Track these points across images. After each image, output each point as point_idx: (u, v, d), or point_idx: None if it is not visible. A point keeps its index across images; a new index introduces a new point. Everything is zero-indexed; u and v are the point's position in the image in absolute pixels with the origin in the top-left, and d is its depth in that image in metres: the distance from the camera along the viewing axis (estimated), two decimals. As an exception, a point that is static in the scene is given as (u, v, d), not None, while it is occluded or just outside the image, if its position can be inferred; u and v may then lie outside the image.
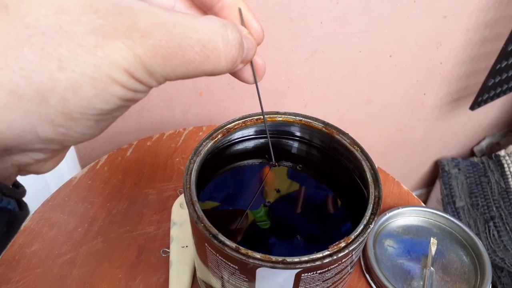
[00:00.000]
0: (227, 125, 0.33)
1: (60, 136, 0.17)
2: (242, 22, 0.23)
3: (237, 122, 0.33)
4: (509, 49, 0.78)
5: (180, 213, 0.45)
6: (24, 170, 0.19)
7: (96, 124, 0.17)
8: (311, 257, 0.24)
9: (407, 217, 0.47)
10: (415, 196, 0.52)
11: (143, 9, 0.17)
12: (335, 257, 0.24)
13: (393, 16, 0.69)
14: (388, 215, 0.46)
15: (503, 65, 0.81)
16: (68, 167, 0.62)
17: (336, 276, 0.27)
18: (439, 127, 1.02)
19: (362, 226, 0.26)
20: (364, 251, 0.43)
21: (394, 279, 0.41)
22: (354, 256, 0.27)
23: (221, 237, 0.25)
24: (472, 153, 1.22)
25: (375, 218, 0.27)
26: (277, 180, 0.34)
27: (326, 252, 0.24)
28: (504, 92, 0.92)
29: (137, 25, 0.16)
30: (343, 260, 0.26)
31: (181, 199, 0.47)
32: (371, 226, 0.26)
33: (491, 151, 1.14)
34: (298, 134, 0.35)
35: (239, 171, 0.35)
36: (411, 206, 0.47)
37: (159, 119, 0.68)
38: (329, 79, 0.74)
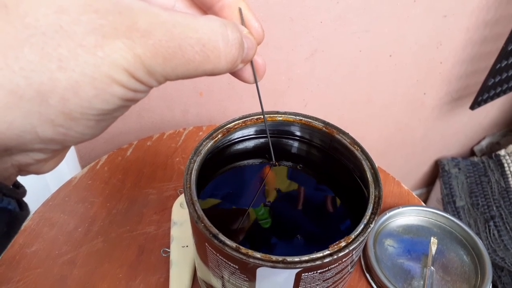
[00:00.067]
0: (227, 124, 0.33)
1: (60, 136, 0.17)
2: (242, 22, 0.23)
3: (237, 122, 0.33)
4: (509, 48, 0.78)
5: (180, 213, 0.45)
6: (25, 170, 0.19)
7: (97, 124, 0.17)
8: (312, 256, 0.24)
9: (407, 216, 0.47)
10: (415, 196, 0.52)
11: (143, 8, 0.17)
12: (335, 256, 0.24)
13: (393, 16, 0.69)
14: (388, 214, 0.46)
15: (503, 65, 0.81)
16: (68, 167, 0.62)
17: (336, 275, 0.27)
18: (439, 126, 1.02)
19: (362, 226, 0.26)
20: (365, 250, 0.43)
21: (395, 278, 0.41)
22: (354, 256, 0.27)
23: (222, 236, 0.25)
24: (472, 153, 1.22)
25: (376, 218, 0.27)
26: (277, 179, 0.34)
27: (327, 252, 0.24)
28: (504, 92, 0.92)
29: (137, 25, 0.16)
30: (343, 260, 0.26)
31: (181, 198, 0.47)
32: (372, 225, 0.26)
33: (491, 151, 1.14)
34: (298, 133, 0.35)
35: (239, 170, 0.35)
36: (411, 206, 0.47)
37: (159, 119, 0.68)
38: (329, 78, 0.74)
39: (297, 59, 0.68)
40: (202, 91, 0.66)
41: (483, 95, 0.87)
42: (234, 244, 0.24)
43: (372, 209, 0.27)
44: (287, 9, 0.60)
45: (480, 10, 0.77)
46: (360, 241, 0.25)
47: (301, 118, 0.34)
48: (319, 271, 0.25)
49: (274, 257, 0.24)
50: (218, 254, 0.26)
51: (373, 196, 0.28)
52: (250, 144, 0.35)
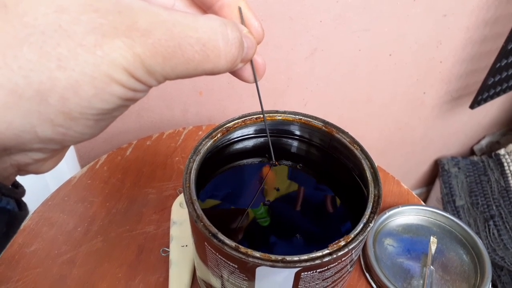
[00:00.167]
0: (226, 124, 0.33)
1: (59, 136, 0.17)
2: (242, 21, 0.23)
3: (236, 121, 0.33)
4: (509, 47, 0.78)
5: (179, 212, 0.45)
6: (24, 170, 0.19)
7: (96, 123, 0.17)
8: (311, 255, 0.24)
9: (407, 216, 0.47)
10: (415, 195, 0.52)
11: (143, 8, 0.17)
12: (334, 255, 0.24)
13: (393, 15, 0.69)
14: (388, 214, 0.46)
15: (503, 64, 0.81)
16: (68, 167, 0.62)
17: (336, 275, 0.27)
18: (439, 125, 1.02)
19: (361, 225, 0.26)
20: (364, 250, 0.43)
21: (394, 278, 0.41)
22: (354, 255, 0.27)
23: (221, 236, 0.24)
24: (472, 152, 1.22)
25: (375, 217, 0.27)
26: (276, 179, 0.34)
27: (326, 251, 0.24)
28: (504, 91, 0.92)
29: (137, 24, 0.16)
30: (342, 259, 0.26)
31: (180, 198, 0.47)
32: (371, 224, 0.26)
33: (491, 150, 1.14)
34: (297, 133, 0.35)
35: (238, 170, 0.35)
36: (411, 205, 0.47)
37: (159, 118, 0.68)
38: (329, 78, 0.74)
39: (297, 58, 0.68)
40: (201, 90, 0.66)
41: (483, 94, 0.87)
42: (233, 243, 0.24)
43: (372, 208, 0.27)
44: (286, 8, 0.60)
45: (480, 9, 0.77)
46: (359, 240, 0.25)
47: (301, 117, 0.34)
48: (318, 270, 0.25)
49: (273, 256, 0.24)
50: (217, 254, 0.26)
51: (372, 195, 0.28)
52: (249, 143, 0.35)
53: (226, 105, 0.70)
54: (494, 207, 1.00)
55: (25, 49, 0.15)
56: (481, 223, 0.99)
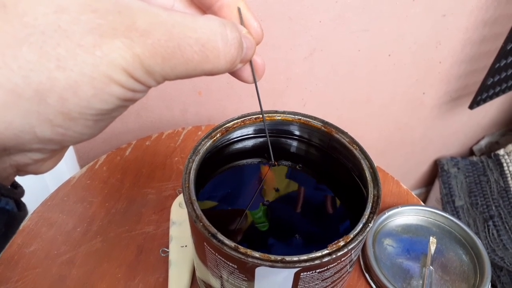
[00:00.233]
0: (226, 124, 0.33)
1: (58, 136, 0.17)
2: (241, 22, 0.23)
3: (236, 121, 0.33)
4: (508, 48, 0.78)
5: (179, 213, 0.45)
6: (23, 170, 0.19)
7: (95, 124, 0.17)
8: (310, 256, 0.24)
9: (406, 216, 0.47)
10: (414, 195, 0.52)
11: (142, 8, 0.17)
12: (334, 256, 0.24)
13: (392, 15, 0.69)
14: (387, 214, 0.46)
15: (502, 64, 0.81)
16: (67, 167, 0.62)
17: (335, 275, 0.27)
18: (438, 126, 1.02)
19: (361, 225, 0.26)
20: (363, 250, 0.43)
21: (394, 278, 0.41)
22: (353, 255, 0.27)
23: (220, 236, 0.24)
24: (471, 152, 1.22)
25: (374, 217, 0.27)
26: (276, 179, 0.34)
27: (325, 251, 0.24)
28: (503, 91, 0.92)
29: (136, 25, 0.16)
30: (342, 259, 0.26)
31: (180, 198, 0.47)
32: (370, 225, 0.26)
33: (490, 150, 1.14)
34: (297, 133, 0.35)
35: (238, 170, 0.35)
36: (410, 205, 0.47)
37: (158, 118, 0.68)
38: (328, 78, 0.74)
39: (296, 59, 0.68)
40: (201, 90, 0.66)
41: (482, 95, 0.87)
42: (233, 244, 0.24)
43: (371, 209, 0.27)
44: (286, 8, 0.60)
45: (479, 9, 0.77)
46: (359, 240, 0.25)
47: (300, 117, 0.34)
48: (318, 270, 0.25)
49: (273, 257, 0.24)
50: (217, 254, 0.26)
51: (372, 196, 0.28)
52: (249, 143, 0.35)
53: (226, 105, 0.70)
54: (493, 208, 1.00)
55: (25, 49, 0.15)
56: (480, 223, 0.99)
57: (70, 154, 0.64)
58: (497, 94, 0.91)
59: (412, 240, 0.45)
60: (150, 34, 0.16)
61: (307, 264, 0.24)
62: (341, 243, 0.25)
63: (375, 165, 0.30)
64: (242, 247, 0.24)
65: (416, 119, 0.96)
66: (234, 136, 0.34)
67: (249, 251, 0.24)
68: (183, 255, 0.41)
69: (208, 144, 0.31)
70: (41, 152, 0.18)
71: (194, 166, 0.29)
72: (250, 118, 0.33)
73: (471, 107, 0.92)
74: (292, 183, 0.34)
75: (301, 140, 0.36)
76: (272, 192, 0.33)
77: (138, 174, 0.52)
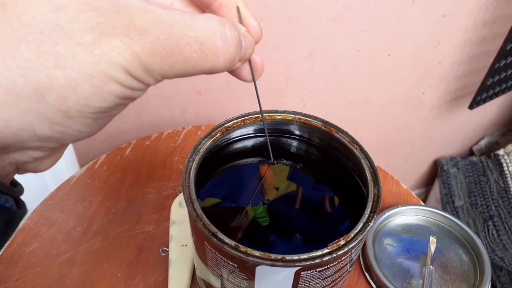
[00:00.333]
0: (226, 123, 0.33)
1: (57, 134, 0.17)
2: (240, 20, 0.23)
3: (236, 121, 0.33)
4: (508, 48, 0.78)
5: (179, 212, 0.45)
6: (22, 168, 0.19)
7: (94, 122, 0.17)
8: (311, 255, 0.24)
9: (406, 215, 0.47)
10: (414, 195, 0.52)
11: (141, 7, 0.17)
12: (334, 255, 0.24)
13: (392, 15, 0.69)
14: (387, 213, 0.46)
15: (501, 64, 0.81)
16: (67, 166, 0.62)
17: (335, 274, 0.27)
18: (438, 126, 1.02)
19: (361, 224, 0.26)
20: (364, 249, 0.43)
21: (394, 277, 0.41)
22: (353, 255, 0.27)
23: (220, 235, 0.24)
24: (471, 152, 1.22)
25: (375, 216, 0.27)
26: (276, 178, 0.34)
27: (326, 250, 0.24)
28: (502, 91, 0.92)
29: (135, 23, 0.16)
30: (342, 258, 0.26)
31: (180, 198, 0.47)
32: (371, 224, 0.26)
33: (490, 151, 1.14)
34: (297, 132, 0.35)
35: (238, 169, 0.35)
36: (410, 205, 0.47)
37: (158, 118, 0.68)
38: (328, 78, 0.74)
39: (296, 58, 0.68)
40: (200, 90, 0.66)
41: (482, 95, 0.87)
42: (233, 243, 0.24)
43: (371, 208, 0.27)
44: (285, 8, 0.60)
45: (479, 9, 0.78)
46: (359, 239, 0.25)
47: (300, 117, 0.34)
48: (318, 269, 0.25)
49: (273, 255, 0.24)
50: (217, 253, 0.26)
51: (372, 195, 0.28)
52: (249, 143, 0.35)
53: (225, 105, 0.70)
54: (493, 208, 1.00)
55: (23, 48, 0.15)
56: (480, 223, 0.99)
57: (70, 154, 0.64)
58: (496, 94, 0.91)
59: (412, 240, 0.45)
60: (149, 32, 0.16)
61: (308, 263, 0.24)
62: (342, 242, 0.25)
63: (375, 164, 0.30)
64: (242, 246, 0.24)
65: (415, 119, 0.96)
66: (234, 136, 0.34)
67: (249, 250, 0.24)
68: (183, 255, 0.41)
69: (208, 143, 0.31)
70: (40, 150, 0.18)
71: (194, 165, 0.29)
72: (250, 117, 0.33)
73: (471, 107, 0.92)
74: (292, 183, 0.34)
75: (301, 139, 0.36)
76: (272, 191, 0.33)
77: (138, 174, 0.52)
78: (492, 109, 1.10)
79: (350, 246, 0.25)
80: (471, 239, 0.44)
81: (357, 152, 0.31)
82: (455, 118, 1.03)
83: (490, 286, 0.41)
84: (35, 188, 0.55)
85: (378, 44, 0.73)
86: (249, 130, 0.34)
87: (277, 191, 0.33)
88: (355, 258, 0.29)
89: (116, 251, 0.43)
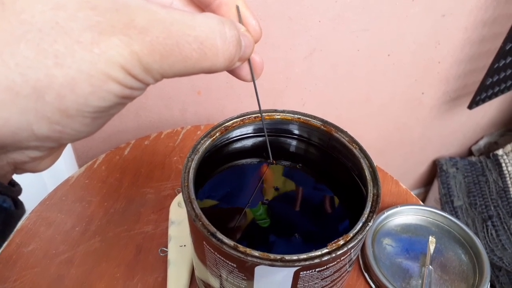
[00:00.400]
0: (225, 123, 0.33)
1: (56, 134, 0.17)
2: (240, 20, 0.23)
3: (235, 120, 0.33)
4: (507, 48, 0.78)
5: (178, 212, 0.45)
6: (20, 168, 0.19)
7: (93, 121, 0.17)
8: (310, 255, 0.24)
9: (405, 215, 0.47)
10: (414, 195, 0.52)
11: (140, 6, 0.17)
12: (333, 255, 0.24)
13: (392, 15, 0.69)
14: (386, 213, 0.46)
15: (501, 64, 0.81)
16: (66, 166, 0.61)
17: (334, 274, 0.27)
18: (437, 126, 1.02)
19: (360, 224, 0.26)
20: (363, 249, 0.43)
21: (393, 277, 0.41)
22: (352, 255, 0.27)
23: (219, 235, 0.24)
24: (470, 152, 1.22)
25: (374, 216, 0.27)
26: (275, 178, 0.34)
27: (325, 250, 0.24)
28: (502, 91, 0.92)
29: (135, 22, 0.16)
30: (341, 258, 0.26)
31: (179, 198, 0.47)
32: (370, 224, 0.26)
33: (489, 150, 1.14)
34: (296, 132, 0.35)
35: (237, 169, 0.35)
36: (409, 205, 0.47)
37: (157, 118, 0.68)
38: (328, 77, 0.74)
39: (296, 58, 0.68)
40: (200, 90, 0.66)
41: (481, 95, 0.87)
42: (232, 243, 0.24)
43: (371, 208, 0.27)
44: (285, 7, 0.60)
45: (479, 9, 0.78)
46: (358, 239, 0.25)
47: (299, 116, 0.34)
48: (317, 269, 0.25)
49: (272, 255, 0.24)
50: (216, 253, 0.26)
51: (371, 194, 0.28)
52: (248, 142, 0.35)
53: (225, 104, 0.70)
54: (492, 208, 1.00)
55: (22, 46, 0.15)
56: (479, 223, 0.99)
57: (68, 154, 0.64)
58: (496, 94, 0.91)
59: (411, 240, 0.45)
60: (149, 31, 0.16)
61: (307, 263, 0.24)
62: (341, 242, 0.25)
63: (375, 164, 0.30)
64: (241, 246, 0.24)
65: (415, 119, 0.96)
66: (233, 135, 0.34)
67: (248, 250, 0.24)
68: (182, 255, 0.41)
69: (207, 143, 0.31)
70: (38, 150, 0.18)
71: (193, 165, 0.29)
72: (250, 117, 0.33)
73: (470, 107, 0.92)
74: (291, 182, 0.34)
75: (301, 139, 0.36)
76: (272, 191, 0.33)
77: (137, 174, 0.52)
78: (491, 109, 1.10)
79: (349, 246, 0.25)
80: (470, 239, 0.44)
81: (357, 152, 0.31)
82: (455, 118, 1.03)
83: (489, 286, 0.41)
84: (34, 188, 0.55)
85: (377, 44, 0.73)
86: (248, 129, 0.34)
87: (276, 191, 0.33)
88: (354, 258, 0.29)
89: (114, 251, 0.43)
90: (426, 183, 1.23)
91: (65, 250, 0.43)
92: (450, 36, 0.80)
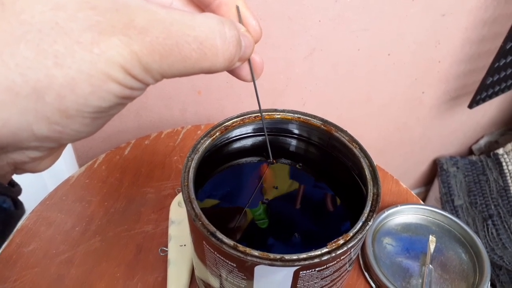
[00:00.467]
0: (225, 122, 0.33)
1: (56, 134, 0.17)
2: (240, 20, 0.23)
3: (235, 120, 0.33)
4: (507, 47, 0.78)
5: (178, 212, 0.45)
6: (20, 168, 0.19)
7: (92, 121, 0.17)
8: (310, 254, 0.24)
9: (405, 215, 0.47)
10: (414, 194, 0.52)
11: (140, 6, 0.17)
12: (333, 254, 0.24)
13: (392, 15, 0.69)
14: (386, 213, 0.46)
15: (501, 64, 0.81)
16: (66, 166, 0.61)
17: (334, 273, 0.27)
18: (437, 125, 1.02)
19: (360, 223, 0.26)
20: (363, 249, 0.43)
21: (393, 277, 0.41)
22: (352, 254, 0.27)
23: (219, 234, 0.24)
24: (470, 152, 1.22)
25: (374, 215, 0.27)
26: (275, 177, 0.34)
27: (325, 250, 0.24)
28: (502, 91, 0.92)
29: (134, 22, 0.16)
30: (341, 258, 0.26)
31: (179, 197, 0.47)
32: (370, 223, 0.26)
33: (490, 150, 1.14)
34: (296, 131, 0.35)
35: (237, 169, 0.35)
36: (409, 204, 0.47)
37: (157, 117, 0.68)
38: (328, 77, 0.74)
39: (296, 58, 0.68)
40: (200, 89, 0.66)
41: (482, 94, 0.87)
42: (232, 242, 0.24)
43: (371, 207, 0.27)
44: (285, 7, 0.60)
45: (478, 9, 0.77)
46: (358, 238, 0.25)
47: (299, 116, 0.34)
48: (317, 269, 0.25)
49: (272, 255, 0.24)
50: (216, 253, 0.26)
51: (371, 194, 0.28)
52: (248, 142, 0.35)
53: (225, 104, 0.70)
54: (492, 207, 1.00)
55: (22, 47, 0.15)
56: (479, 222, 0.99)
57: (69, 153, 0.64)
58: (496, 94, 0.91)
59: (411, 239, 0.45)
60: (148, 31, 0.16)
61: (306, 262, 0.24)
62: (341, 242, 0.25)
63: (375, 163, 0.30)
64: (241, 246, 0.24)
65: (415, 118, 0.96)
66: (233, 135, 0.34)
67: (248, 250, 0.24)
68: (182, 254, 0.41)
69: (207, 142, 0.31)
70: (38, 150, 0.18)
71: (193, 164, 0.29)
72: (250, 116, 0.33)
73: (470, 106, 0.92)
74: (291, 182, 0.34)
75: (301, 138, 0.36)
76: (272, 191, 0.33)
77: (137, 173, 0.52)
78: (491, 108, 1.10)
79: (349, 246, 0.25)
80: (471, 238, 0.44)
81: (357, 151, 0.31)
82: (455, 117, 1.03)
83: (489, 285, 0.41)
84: (34, 188, 0.55)
85: (378, 44, 0.73)
86: (248, 129, 0.34)
87: (276, 190, 0.33)
88: (354, 257, 0.29)
89: (115, 251, 0.43)
90: (426, 182, 1.23)
91: (65, 250, 0.43)
92: (450, 36, 0.80)
